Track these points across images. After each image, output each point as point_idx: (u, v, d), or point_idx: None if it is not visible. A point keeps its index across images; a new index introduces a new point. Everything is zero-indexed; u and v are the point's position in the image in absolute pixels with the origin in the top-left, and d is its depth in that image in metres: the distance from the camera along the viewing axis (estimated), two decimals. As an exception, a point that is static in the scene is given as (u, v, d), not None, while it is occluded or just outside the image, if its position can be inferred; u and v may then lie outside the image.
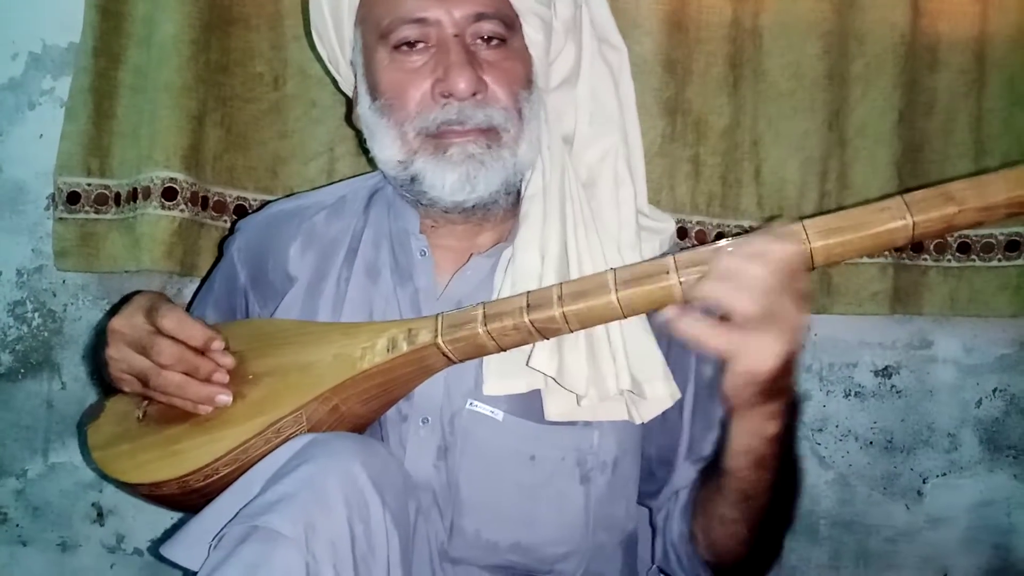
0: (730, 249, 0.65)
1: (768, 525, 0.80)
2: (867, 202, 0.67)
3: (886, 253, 1.28)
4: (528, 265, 0.83)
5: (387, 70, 0.85)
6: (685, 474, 0.88)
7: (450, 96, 0.82)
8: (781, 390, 0.69)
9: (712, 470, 0.81)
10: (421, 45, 0.84)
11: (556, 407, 0.82)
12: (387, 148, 0.86)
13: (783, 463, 0.76)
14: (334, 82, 1.03)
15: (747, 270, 0.63)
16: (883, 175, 1.28)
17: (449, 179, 0.83)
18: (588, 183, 0.91)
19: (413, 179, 0.85)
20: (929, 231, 0.65)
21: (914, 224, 0.64)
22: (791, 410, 0.74)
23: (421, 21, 0.83)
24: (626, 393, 0.81)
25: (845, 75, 1.29)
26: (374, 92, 0.87)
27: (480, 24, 0.84)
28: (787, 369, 0.67)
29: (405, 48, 0.84)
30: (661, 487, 0.90)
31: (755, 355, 0.64)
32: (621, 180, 0.90)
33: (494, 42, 0.86)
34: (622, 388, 0.80)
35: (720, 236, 1.28)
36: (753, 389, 0.67)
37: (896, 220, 0.64)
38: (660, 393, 0.81)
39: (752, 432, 0.72)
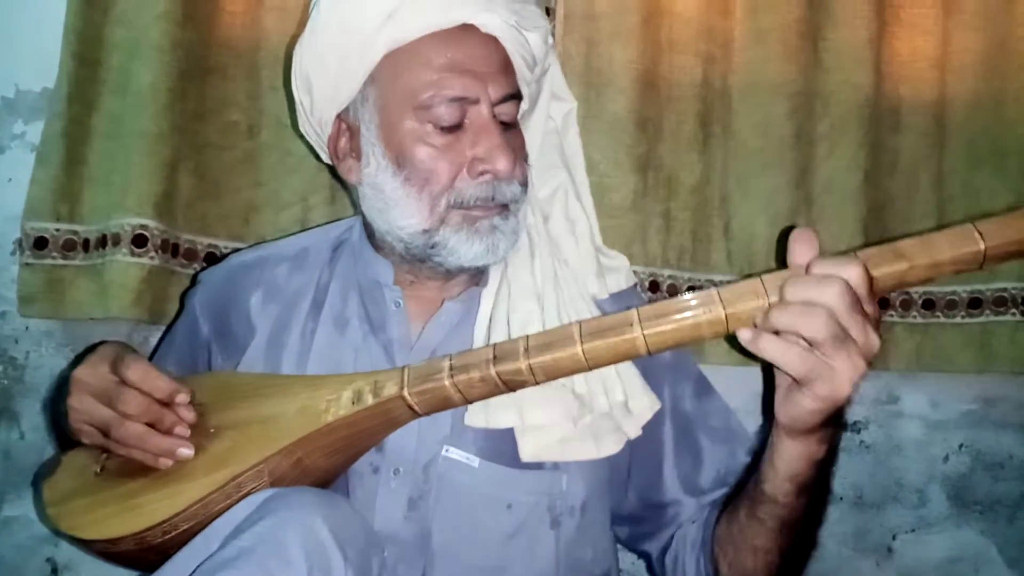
0: (794, 280, 0.64)
1: (798, 552, 0.80)
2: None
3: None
4: (526, 307, 0.88)
5: (421, 143, 0.85)
6: (689, 510, 0.90)
7: (488, 174, 0.84)
8: (841, 413, 0.69)
9: (741, 502, 0.81)
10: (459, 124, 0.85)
11: (530, 446, 0.84)
12: (410, 217, 0.85)
13: (821, 488, 0.76)
14: (301, 136, 1.00)
15: (818, 295, 0.63)
16: (849, 232, 1.30)
17: (476, 249, 0.85)
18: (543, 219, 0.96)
19: (434, 246, 0.86)
20: (882, 287, 0.66)
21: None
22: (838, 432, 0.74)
23: (462, 100, 0.84)
24: (617, 408, 0.84)
25: (812, 135, 1.33)
26: (400, 160, 0.85)
27: (505, 105, 0.87)
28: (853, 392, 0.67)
29: (444, 127, 0.84)
30: (655, 529, 0.92)
31: (834, 379, 0.64)
32: (576, 217, 0.95)
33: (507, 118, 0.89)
34: (615, 401, 0.83)
35: (692, 289, 1.29)
36: (823, 414, 0.67)
37: None
38: (643, 405, 0.86)
39: (802, 457, 0.71)
